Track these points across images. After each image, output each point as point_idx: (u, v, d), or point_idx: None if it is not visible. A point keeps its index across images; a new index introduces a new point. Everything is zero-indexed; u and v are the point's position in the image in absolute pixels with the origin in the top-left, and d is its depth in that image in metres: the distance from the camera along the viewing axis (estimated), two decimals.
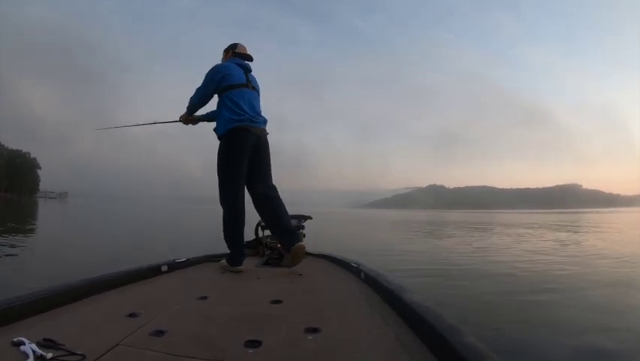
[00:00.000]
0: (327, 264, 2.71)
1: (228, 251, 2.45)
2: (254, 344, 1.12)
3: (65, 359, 0.98)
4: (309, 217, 3.63)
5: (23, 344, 1.01)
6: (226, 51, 2.73)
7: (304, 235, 3.37)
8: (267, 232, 3.42)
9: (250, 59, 2.70)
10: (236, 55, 2.69)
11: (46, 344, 1.04)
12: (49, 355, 0.98)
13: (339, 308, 1.56)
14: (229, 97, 2.44)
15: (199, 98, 2.56)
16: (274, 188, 2.58)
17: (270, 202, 2.51)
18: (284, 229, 2.47)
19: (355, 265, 2.22)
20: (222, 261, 2.45)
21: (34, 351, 0.98)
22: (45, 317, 1.35)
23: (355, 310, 1.52)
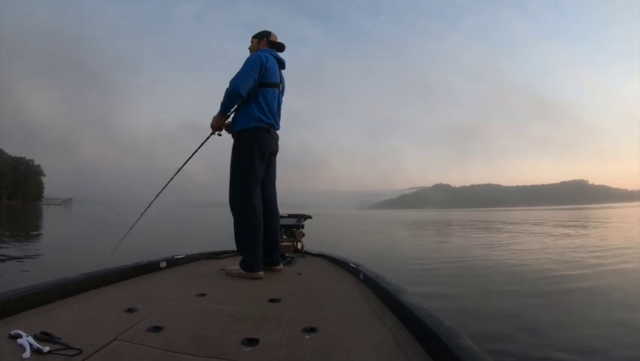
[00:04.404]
0: (326, 264, 2.70)
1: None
2: (251, 342, 1.12)
3: (62, 352, 0.99)
4: (309, 217, 3.64)
5: (20, 337, 1.03)
6: (258, 38, 2.48)
7: (303, 235, 3.37)
8: None
9: (283, 48, 2.49)
10: (270, 44, 2.46)
11: (43, 337, 1.06)
12: (46, 348, 1.00)
13: (337, 308, 1.55)
14: (263, 95, 2.28)
15: (244, 88, 2.19)
16: (276, 198, 2.51)
17: (272, 211, 2.44)
18: (275, 244, 2.41)
19: (354, 266, 2.21)
20: (233, 267, 2.24)
21: (30, 344, 1.00)
22: (42, 310, 1.37)
23: (353, 311, 1.52)
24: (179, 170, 2.60)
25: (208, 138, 2.41)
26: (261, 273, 2.18)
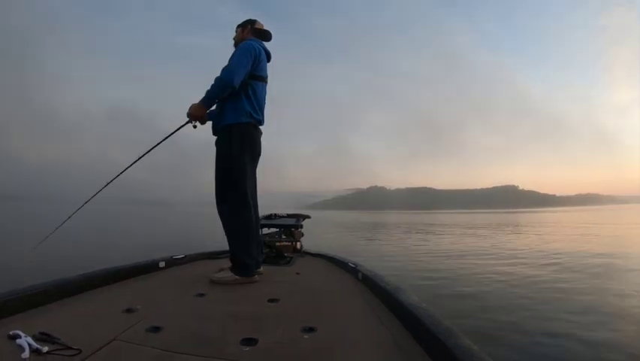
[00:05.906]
0: (324, 263, 2.71)
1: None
2: (250, 342, 1.12)
3: (61, 353, 0.97)
4: (308, 217, 3.66)
5: (19, 337, 1.00)
6: (242, 27, 2.30)
7: (302, 235, 3.37)
8: (266, 230, 3.35)
9: (269, 37, 2.31)
10: (255, 32, 2.27)
11: (43, 337, 1.03)
12: (45, 348, 0.97)
13: (335, 308, 1.57)
14: (254, 89, 2.13)
15: (239, 79, 2.00)
16: (257, 201, 2.31)
17: (256, 214, 2.25)
18: (259, 247, 2.27)
19: (353, 265, 2.23)
20: (227, 275, 2.03)
21: (30, 344, 0.97)
22: (41, 310, 1.32)
23: (352, 310, 1.52)
24: (142, 156, 2.23)
25: (183, 126, 2.14)
26: (256, 276, 2.09)
